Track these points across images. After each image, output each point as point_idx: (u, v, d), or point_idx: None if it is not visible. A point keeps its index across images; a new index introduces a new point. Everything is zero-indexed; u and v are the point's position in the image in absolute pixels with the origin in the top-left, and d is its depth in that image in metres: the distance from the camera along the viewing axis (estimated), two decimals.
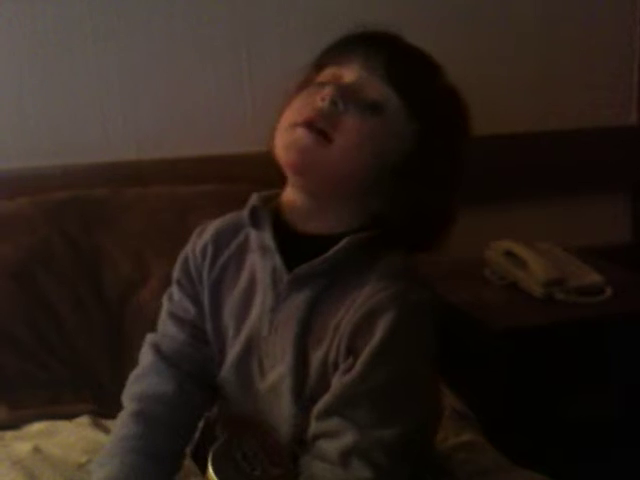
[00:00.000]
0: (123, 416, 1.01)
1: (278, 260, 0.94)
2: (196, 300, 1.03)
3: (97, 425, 1.31)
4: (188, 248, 1.06)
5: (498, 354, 1.64)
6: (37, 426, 1.33)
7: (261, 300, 0.97)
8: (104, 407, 1.33)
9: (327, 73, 0.96)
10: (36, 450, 1.23)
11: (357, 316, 0.88)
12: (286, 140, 0.92)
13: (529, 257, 1.78)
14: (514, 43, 2.00)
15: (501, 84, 2.00)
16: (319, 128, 0.90)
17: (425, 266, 1.84)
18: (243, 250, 1.01)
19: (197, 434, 1.06)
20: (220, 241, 1.03)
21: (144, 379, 1.03)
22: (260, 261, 0.98)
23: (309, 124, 0.90)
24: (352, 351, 0.88)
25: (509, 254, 1.84)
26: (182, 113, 1.81)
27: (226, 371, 1.00)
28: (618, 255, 2.03)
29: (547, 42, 2.03)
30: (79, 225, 1.59)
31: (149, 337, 1.07)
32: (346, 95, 0.91)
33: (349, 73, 0.94)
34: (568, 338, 1.65)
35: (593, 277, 1.78)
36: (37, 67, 1.72)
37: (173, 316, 1.05)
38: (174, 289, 1.06)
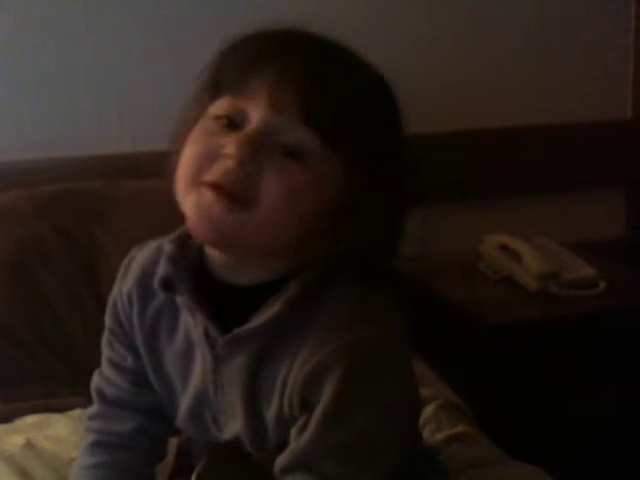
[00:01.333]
0: (85, 447, 0.97)
1: (207, 321, 0.83)
2: (132, 348, 0.93)
3: None
4: (115, 291, 0.94)
5: (492, 348, 1.65)
6: (30, 419, 1.33)
7: (201, 359, 0.87)
8: None
9: (226, 104, 0.80)
10: (28, 444, 1.22)
11: (302, 375, 0.78)
12: (193, 203, 0.77)
13: (523, 250, 1.79)
14: (509, 38, 2.01)
15: (495, 79, 2.00)
16: (232, 194, 0.75)
17: (419, 261, 1.85)
18: (174, 300, 0.88)
19: (170, 458, 1.02)
20: (146, 286, 0.90)
21: (98, 419, 0.98)
22: (190, 320, 0.86)
23: (219, 188, 0.75)
24: (305, 409, 0.79)
25: (503, 248, 1.84)
26: (177, 105, 1.80)
27: (181, 421, 0.93)
28: (612, 249, 2.03)
29: (542, 37, 2.04)
30: (73, 218, 1.58)
31: (95, 377, 0.99)
32: (255, 149, 0.75)
33: (253, 111, 0.77)
34: (562, 331, 1.66)
35: (587, 270, 1.79)
36: (31, 59, 1.71)
37: (112, 363, 0.96)
38: (109, 336, 0.96)
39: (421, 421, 1.24)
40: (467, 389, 1.42)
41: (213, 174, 0.77)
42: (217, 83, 0.83)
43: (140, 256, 0.93)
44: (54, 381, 1.42)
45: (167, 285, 0.85)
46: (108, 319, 0.95)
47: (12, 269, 1.49)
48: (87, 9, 1.72)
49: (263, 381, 0.83)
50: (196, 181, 0.78)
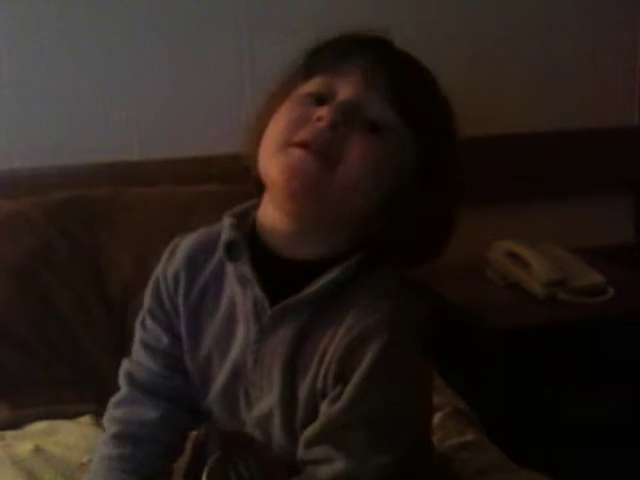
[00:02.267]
0: (105, 437, 0.98)
1: (259, 292, 0.87)
2: (169, 329, 0.96)
3: (99, 425, 1.30)
4: (159, 272, 0.97)
5: (500, 354, 1.64)
6: (38, 425, 1.33)
7: (244, 331, 0.90)
8: (106, 406, 1.33)
9: (318, 82, 0.87)
10: (37, 450, 1.23)
11: (344, 343, 0.83)
12: (282, 162, 0.83)
13: (531, 257, 1.78)
14: (516, 43, 2.01)
15: (502, 84, 2.00)
16: (321, 152, 0.82)
17: (427, 267, 1.85)
18: (220, 275, 0.93)
19: (188, 452, 1.03)
20: (193, 266, 0.94)
21: (123, 407, 0.99)
22: (239, 291, 0.90)
23: (308, 146, 0.82)
24: (340, 379, 0.83)
25: (511, 254, 1.84)
26: (184, 113, 1.81)
27: (211, 400, 0.95)
28: (620, 256, 2.03)
29: (549, 42, 2.04)
30: (81, 225, 1.59)
31: (124, 364, 1.01)
32: (346, 116, 0.83)
33: (346, 87, 0.86)
34: (570, 338, 1.65)
35: (595, 277, 1.78)
36: (39, 66, 1.72)
37: (145, 345, 0.98)
38: (146, 317, 0.99)
39: None
40: (472, 393, 1.42)
41: (305, 134, 0.83)
42: (311, 67, 0.90)
43: (186, 241, 0.97)
44: (62, 387, 1.43)
45: (230, 250, 0.90)
46: (148, 300, 0.98)
47: (20, 275, 1.50)
48: (95, 15, 1.72)
49: (303, 353, 0.87)
50: (286, 143, 0.83)
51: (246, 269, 0.88)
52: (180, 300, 0.94)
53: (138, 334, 1.00)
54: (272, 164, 0.84)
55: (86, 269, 1.55)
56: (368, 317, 0.83)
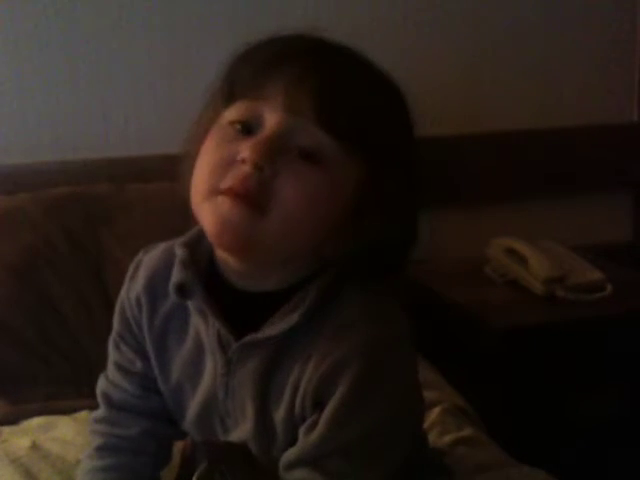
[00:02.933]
0: (90, 450, 0.97)
1: (222, 327, 0.83)
2: (141, 351, 0.93)
3: None
4: (123, 294, 0.93)
5: (499, 352, 1.64)
6: (36, 421, 1.33)
7: (212, 362, 0.86)
8: None
9: (241, 108, 0.79)
10: (34, 446, 1.22)
11: (317, 376, 0.79)
12: (211, 213, 0.77)
13: (530, 254, 1.78)
14: (514, 40, 2.01)
15: (501, 82, 2.00)
16: (249, 199, 0.75)
17: (426, 264, 1.86)
18: (183, 304, 0.88)
19: (176, 462, 1.02)
20: (154, 291, 0.89)
21: (104, 423, 0.97)
22: (202, 324, 0.86)
23: (234, 194, 0.75)
24: (318, 406, 0.80)
25: (510, 251, 1.84)
26: (183, 109, 1.80)
27: (187, 425, 0.93)
28: (619, 253, 2.03)
29: (548, 39, 2.03)
30: (80, 221, 1.59)
31: (100, 381, 0.98)
32: (271, 153, 0.75)
33: (270, 114, 0.77)
34: (569, 335, 1.66)
35: (594, 274, 1.78)
36: (38, 63, 1.71)
37: (119, 367, 0.95)
38: (117, 340, 0.95)
39: (427, 424, 1.25)
40: (472, 392, 1.42)
41: (230, 180, 0.76)
42: (231, 88, 0.82)
43: (148, 259, 0.93)
44: (60, 383, 1.42)
45: (181, 290, 0.85)
46: (116, 323, 0.95)
47: (19, 272, 1.50)
48: (94, 12, 1.72)
49: (275, 383, 0.83)
50: (213, 190, 0.77)
51: (202, 305, 0.84)
52: (145, 326, 0.91)
53: (111, 356, 0.97)
54: (202, 213, 0.79)
55: (85, 265, 1.54)
56: (337, 350, 0.78)
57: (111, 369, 0.97)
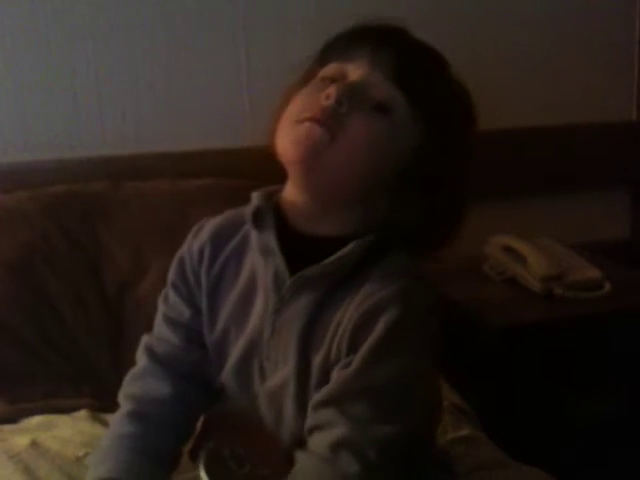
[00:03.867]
0: (119, 415, 1.00)
1: (281, 263, 0.92)
2: (192, 303, 1.01)
3: (95, 419, 1.31)
4: (184, 249, 1.02)
5: (497, 350, 1.64)
6: (35, 419, 1.33)
7: (262, 302, 0.94)
8: (103, 402, 1.32)
9: (331, 68, 0.93)
10: (33, 444, 1.23)
11: (357, 314, 0.86)
12: (291, 136, 0.89)
13: (528, 252, 1.78)
14: (514, 39, 2.00)
15: (500, 79, 2.00)
16: (326, 123, 0.87)
17: (424, 262, 1.85)
18: (242, 250, 0.98)
19: (196, 433, 1.04)
20: (218, 242, 0.99)
21: (140, 381, 1.01)
22: (261, 262, 0.94)
23: (315, 120, 0.87)
24: (352, 349, 0.87)
25: (508, 249, 1.84)
26: (180, 107, 1.81)
27: (226, 374, 0.98)
28: (617, 251, 2.03)
29: (548, 39, 2.03)
30: (78, 219, 1.58)
31: (144, 338, 1.05)
32: (352, 95, 0.88)
33: (355, 70, 0.90)
34: (567, 333, 1.65)
35: (592, 272, 1.78)
36: (34, 60, 1.71)
37: (167, 319, 1.03)
38: (169, 291, 1.03)
39: None
40: (470, 390, 1.42)
41: (313, 109, 0.88)
42: (326, 55, 0.95)
43: (212, 222, 1.02)
44: (58, 381, 1.42)
45: (257, 219, 0.94)
46: (172, 275, 1.03)
47: (17, 269, 1.49)
48: (91, 9, 1.72)
49: (318, 326, 0.90)
50: (297, 120, 0.89)
51: (270, 239, 0.93)
52: (203, 274, 0.99)
53: (160, 309, 1.04)
54: (284, 137, 0.90)
55: (83, 263, 1.54)
56: (380, 291, 0.86)
57: (158, 323, 1.04)
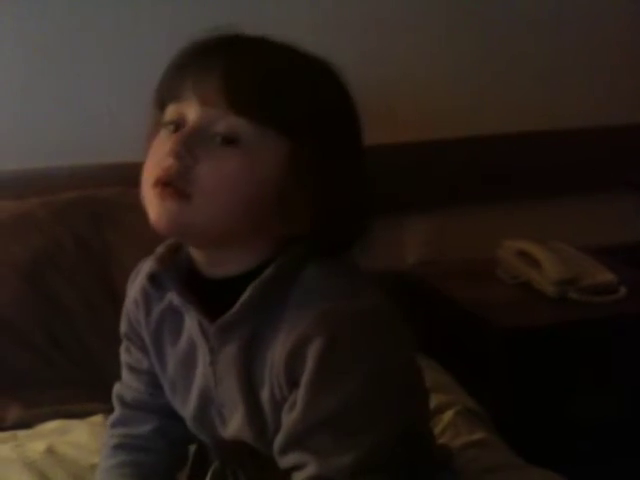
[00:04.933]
0: (105, 450, 1.02)
1: (198, 314, 0.88)
2: (147, 350, 0.98)
3: None
4: (127, 299, 1.00)
5: (511, 354, 1.63)
6: (50, 425, 1.33)
7: (202, 356, 0.91)
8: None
9: (170, 112, 0.86)
10: (49, 451, 1.24)
11: (285, 353, 0.82)
12: (150, 207, 0.84)
13: (542, 256, 1.77)
14: (522, 42, 2.00)
15: (509, 83, 2.00)
16: (173, 188, 0.81)
17: (437, 266, 1.84)
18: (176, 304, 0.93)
19: (190, 459, 1.05)
20: (149, 294, 0.95)
21: (118, 425, 1.03)
22: (188, 319, 0.91)
23: (161, 184, 0.82)
24: (292, 385, 0.83)
25: (522, 253, 1.83)
26: None
27: (190, 422, 0.97)
28: (632, 254, 2.01)
29: (553, 41, 2.03)
30: (89, 225, 1.59)
31: (115, 387, 1.05)
32: (190, 143, 0.81)
33: (189, 110, 0.83)
34: (582, 337, 1.64)
35: (606, 276, 1.77)
36: (46, 67, 1.72)
37: (130, 368, 1.02)
38: (125, 341, 1.02)
39: (440, 427, 1.24)
40: (482, 395, 1.41)
41: (157, 171, 0.83)
42: (162, 97, 0.89)
43: (145, 267, 0.98)
44: (71, 386, 1.43)
45: (155, 281, 0.92)
46: (123, 326, 1.01)
47: (29, 275, 1.50)
48: (101, 16, 1.72)
49: (256, 366, 0.86)
50: (148, 185, 0.84)
51: (176, 297, 0.90)
52: (143, 327, 0.97)
53: (122, 358, 1.03)
54: (147, 205, 0.86)
55: (94, 269, 1.55)
56: (300, 324, 0.81)
57: (124, 372, 1.04)
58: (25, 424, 1.34)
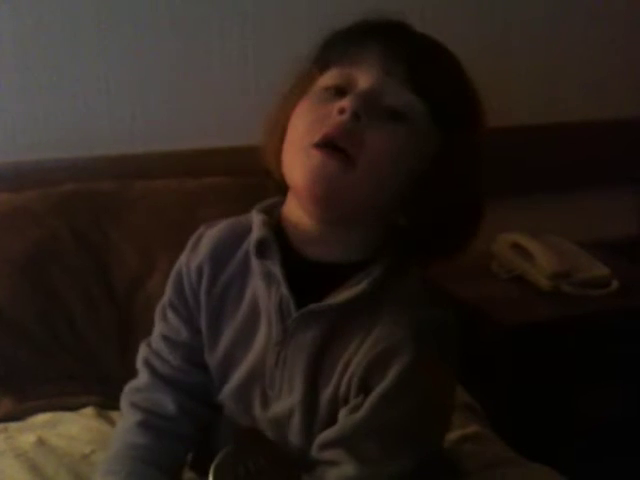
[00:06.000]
0: (128, 423, 0.99)
1: (286, 293, 0.86)
2: (190, 323, 0.96)
3: (102, 416, 1.31)
4: (182, 263, 0.96)
5: (504, 347, 1.64)
6: (41, 417, 1.33)
7: (266, 331, 0.89)
8: (111, 399, 1.33)
9: (337, 74, 0.85)
10: (40, 442, 1.23)
11: (370, 355, 0.81)
12: (304, 167, 0.81)
13: (536, 249, 1.78)
14: (524, 36, 2.00)
15: (509, 76, 2.00)
16: (341, 148, 0.79)
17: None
18: (244, 271, 0.91)
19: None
20: (218, 259, 0.93)
21: (144, 393, 0.99)
22: (264, 290, 0.88)
23: (329, 143, 0.79)
24: (362, 389, 0.82)
25: (516, 247, 1.84)
26: (189, 106, 1.81)
27: (226, 394, 0.95)
28: (625, 249, 2.02)
29: (557, 34, 2.03)
30: (87, 218, 1.59)
31: (143, 349, 1.01)
32: (368, 106, 0.80)
33: (365, 76, 0.83)
34: (575, 331, 1.65)
35: (600, 270, 1.78)
36: (43, 59, 1.71)
37: (165, 338, 0.98)
38: (167, 310, 0.98)
39: None
40: (477, 388, 1.42)
41: (327, 128, 0.80)
42: (326, 58, 0.87)
43: (211, 232, 0.95)
44: (68, 380, 1.43)
45: (260, 249, 0.88)
46: (170, 292, 0.97)
47: (26, 268, 1.50)
48: (100, 10, 1.72)
49: (327, 359, 0.85)
50: (307, 145, 0.81)
51: (275, 269, 0.86)
52: (202, 294, 0.93)
53: (158, 326, 1.00)
54: (295, 167, 0.82)
55: (91, 262, 1.54)
56: (396, 331, 0.81)
57: (156, 340, 1.00)
58: (16, 417, 1.34)
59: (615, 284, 1.74)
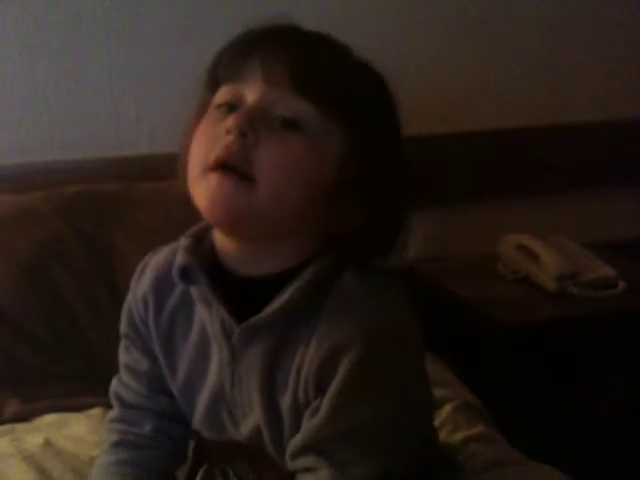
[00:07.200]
0: (105, 446, 1.00)
1: (224, 313, 0.84)
2: (148, 353, 0.95)
3: None
4: (130, 297, 0.96)
5: (510, 349, 1.64)
6: (48, 418, 1.33)
7: (218, 353, 0.88)
8: None
9: (226, 91, 0.83)
10: (47, 444, 1.23)
11: (318, 356, 0.79)
12: (203, 191, 0.79)
13: (542, 251, 1.78)
14: (527, 36, 2.00)
15: (512, 77, 2.00)
16: (234, 168, 0.77)
17: (438, 262, 1.84)
18: (187, 298, 0.90)
19: (189, 459, 1.03)
20: (160, 289, 0.92)
21: (119, 423, 1.00)
22: (207, 314, 0.87)
23: (221, 166, 0.77)
24: (319, 391, 0.81)
25: (521, 248, 1.83)
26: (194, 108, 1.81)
27: (197, 422, 0.94)
28: (631, 249, 2.02)
29: (559, 35, 2.03)
30: (91, 220, 1.59)
31: (113, 383, 1.02)
32: (254, 121, 0.78)
33: (250, 91, 0.80)
34: (581, 332, 1.65)
35: (606, 271, 1.77)
36: (49, 61, 1.72)
37: (128, 368, 0.99)
38: (125, 341, 0.98)
39: (438, 421, 1.25)
40: (482, 390, 1.42)
41: (217, 151, 0.78)
42: (215, 77, 0.86)
43: (154, 260, 0.95)
44: (72, 381, 1.43)
45: (185, 275, 0.87)
46: (123, 325, 0.98)
47: (31, 270, 1.50)
48: (105, 11, 1.72)
49: (280, 369, 0.84)
50: (204, 169, 0.79)
51: (206, 291, 0.85)
52: (151, 325, 0.93)
53: (121, 358, 1.00)
54: (196, 192, 0.81)
55: (96, 264, 1.55)
56: (338, 330, 0.79)
57: (122, 371, 1.00)
58: (23, 418, 1.34)
59: (622, 285, 1.74)
